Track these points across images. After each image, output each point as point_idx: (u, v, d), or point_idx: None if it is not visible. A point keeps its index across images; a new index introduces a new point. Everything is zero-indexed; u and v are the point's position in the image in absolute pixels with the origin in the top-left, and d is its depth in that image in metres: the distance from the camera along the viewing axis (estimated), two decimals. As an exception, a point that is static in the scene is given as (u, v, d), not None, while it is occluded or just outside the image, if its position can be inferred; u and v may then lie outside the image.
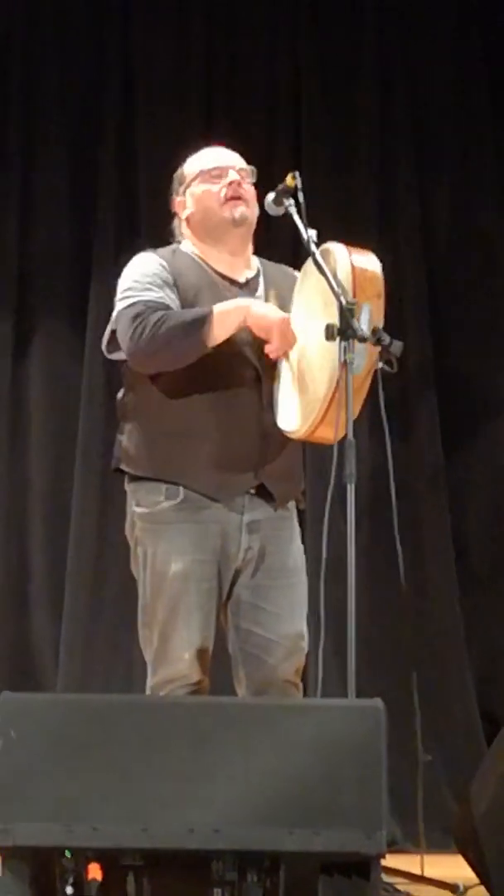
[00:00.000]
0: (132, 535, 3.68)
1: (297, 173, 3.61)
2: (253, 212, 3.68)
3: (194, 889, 2.86)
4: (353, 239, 3.59)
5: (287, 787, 2.85)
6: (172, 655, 3.57)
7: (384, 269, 3.50)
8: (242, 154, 3.78)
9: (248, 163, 3.76)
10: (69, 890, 2.85)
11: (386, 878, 3.54)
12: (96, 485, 5.15)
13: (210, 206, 3.69)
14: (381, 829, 2.83)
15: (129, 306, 3.60)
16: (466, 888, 3.65)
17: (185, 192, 3.75)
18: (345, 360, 3.32)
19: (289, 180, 3.59)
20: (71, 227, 5.30)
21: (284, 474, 3.67)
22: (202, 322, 3.50)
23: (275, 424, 3.58)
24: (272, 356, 3.58)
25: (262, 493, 3.63)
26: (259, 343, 3.57)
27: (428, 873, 3.75)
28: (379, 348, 3.40)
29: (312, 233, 3.53)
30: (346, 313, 3.34)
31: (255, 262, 3.78)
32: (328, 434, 3.42)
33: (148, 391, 3.63)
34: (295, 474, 3.74)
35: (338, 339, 3.34)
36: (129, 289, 3.64)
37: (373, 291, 3.44)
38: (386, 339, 3.40)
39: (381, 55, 5.38)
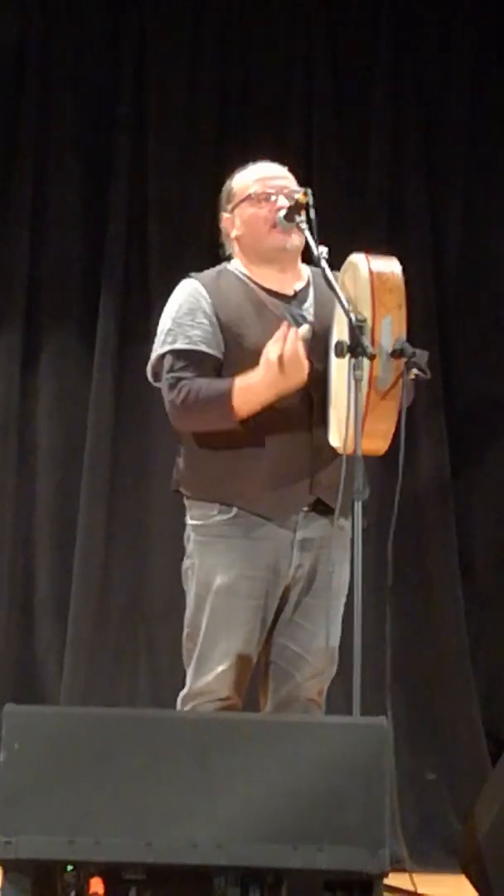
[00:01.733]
0: (187, 547, 3.66)
1: (309, 190, 3.59)
2: (301, 237, 3.60)
3: (196, 904, 2.86)
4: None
5: (291, 803, 2.85)
6: (206, 668, 3.56)
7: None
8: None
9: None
10: (71, 904, 2.85)
11: (388, 896, 3.53)
12: (103, 498, 5.15)
13: (258, 232, 3.65)
14: (384, 847, 2.82)
15: (166, 355, 3.59)
16: (469, 908, 3.64)
17: (233, 210, 3.70)
18: (356, 377, 3.32)
19: (300, 197, 3.58)
20: (81, 241, 5.30)
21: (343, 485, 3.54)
22: (224, 399, 3.48)
23: (326, 439, 3.55)
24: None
25: (319, 508, 3.59)
26: (309, 359, 3.50)
27: (431, 893, 3.74)
28: (404, 360, 3.38)
29: (323, 250, 3.52)
30: (357, 330, 3.34)
31: (306, 271, 3.73)
32: (373, 446, 3.39)
33: None
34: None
35: (348, 356, 3.34)
36: (169, 331, 3.61)
37: (393, 303, 3.39)
38: (409, 350, 3.37)
39: (394, 74, 5.37)
